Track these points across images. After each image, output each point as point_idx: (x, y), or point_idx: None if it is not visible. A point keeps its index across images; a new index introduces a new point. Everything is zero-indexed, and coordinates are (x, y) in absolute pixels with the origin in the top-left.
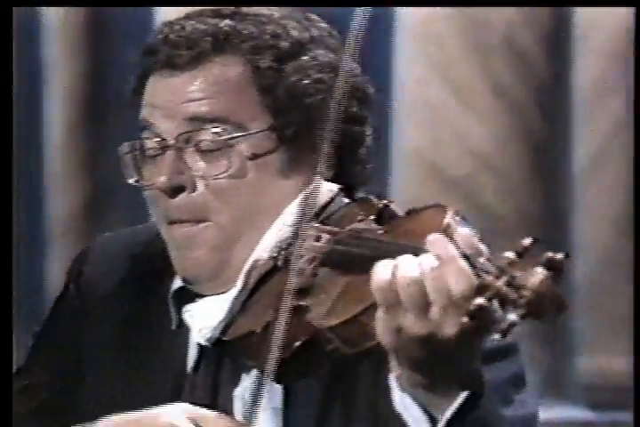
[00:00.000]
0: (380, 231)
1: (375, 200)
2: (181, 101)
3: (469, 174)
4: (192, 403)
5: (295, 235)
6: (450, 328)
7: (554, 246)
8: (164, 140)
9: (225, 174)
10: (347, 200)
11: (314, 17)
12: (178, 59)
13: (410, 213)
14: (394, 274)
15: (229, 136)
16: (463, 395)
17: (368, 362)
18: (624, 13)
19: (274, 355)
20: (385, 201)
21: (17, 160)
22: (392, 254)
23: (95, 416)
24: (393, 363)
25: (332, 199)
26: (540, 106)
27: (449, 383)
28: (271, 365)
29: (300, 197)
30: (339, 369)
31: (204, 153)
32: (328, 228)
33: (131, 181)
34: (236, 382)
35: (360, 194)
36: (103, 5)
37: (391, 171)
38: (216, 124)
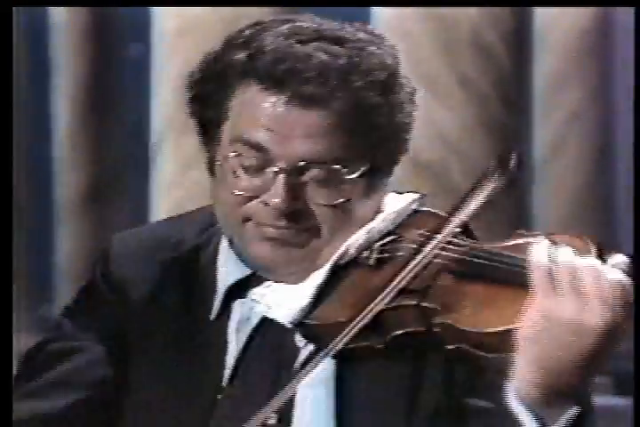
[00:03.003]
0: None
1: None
2: (304, 136)
3: (439, 158)
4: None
5: (394, 237)
6: (597, 317)
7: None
8: (273, 162)
9: (338, 203)
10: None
11: (377, 32)
12: (308, 93)
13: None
14: (554, 260)
15: (348, 177)
16: (574, 410)
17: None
18: (579, 15)
19: (343, 340)
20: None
21: (27, 146)
22: None
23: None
24: (518, 367)
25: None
26: (502, 97)
27: (565, 397)
28: (336, 347)
29: (392, 206)
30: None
31: (318, 182)
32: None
33: (236, 191)
34: (292, 360)
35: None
36: (102, 5)
37: None
38: (334, 163)
